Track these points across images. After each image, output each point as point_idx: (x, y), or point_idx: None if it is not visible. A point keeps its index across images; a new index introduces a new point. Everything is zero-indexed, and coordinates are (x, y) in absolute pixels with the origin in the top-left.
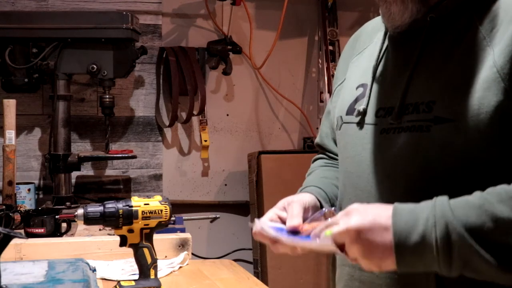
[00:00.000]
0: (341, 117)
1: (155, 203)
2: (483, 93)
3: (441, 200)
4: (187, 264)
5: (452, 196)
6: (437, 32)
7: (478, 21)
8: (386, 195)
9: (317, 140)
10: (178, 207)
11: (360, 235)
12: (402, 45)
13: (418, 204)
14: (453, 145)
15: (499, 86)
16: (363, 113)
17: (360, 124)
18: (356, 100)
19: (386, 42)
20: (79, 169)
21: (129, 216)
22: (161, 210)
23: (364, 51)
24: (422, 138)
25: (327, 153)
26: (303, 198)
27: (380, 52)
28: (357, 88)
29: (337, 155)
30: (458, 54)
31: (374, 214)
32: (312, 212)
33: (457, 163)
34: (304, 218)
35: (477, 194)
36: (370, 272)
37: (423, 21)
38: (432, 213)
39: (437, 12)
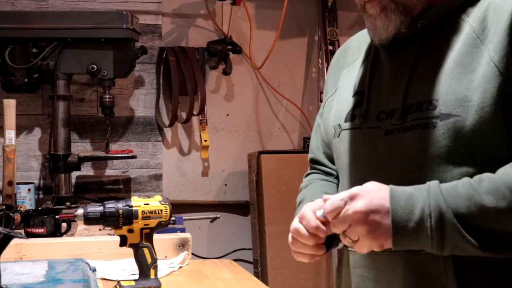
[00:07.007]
0: (339, 125)
1: (155, 203)
2: (484, 87)
3: (435, 190)
4: (187, 264)
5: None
6: (428, 36)
7: (470, 23)
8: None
9: (310, 155)
10: (178, 207)
11: (367, 216)
12: (395, 52)
13: (413, 191)
14: (459, 138)
15: (498, 79)
16: (363, 118)
17: (362, 128)
18: (354, 107)
19: (373, 52)
20: (79, 169)
21: (129, 216)
22: (161, 210)
23: (354, 63)
24: (428, 134)
25: (321, 167)
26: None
27: (371, 62)
28: (353, 96)
29: (330, 168)
30: (454, 54)
31: (378, 198)
32: None
33: (463, 154)
34: None
35: (466, 183)
36: (387, 270)
37: (413, 28)
38: (427, 203)
39: (427, 18)
